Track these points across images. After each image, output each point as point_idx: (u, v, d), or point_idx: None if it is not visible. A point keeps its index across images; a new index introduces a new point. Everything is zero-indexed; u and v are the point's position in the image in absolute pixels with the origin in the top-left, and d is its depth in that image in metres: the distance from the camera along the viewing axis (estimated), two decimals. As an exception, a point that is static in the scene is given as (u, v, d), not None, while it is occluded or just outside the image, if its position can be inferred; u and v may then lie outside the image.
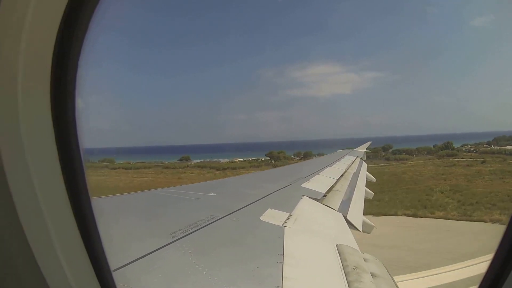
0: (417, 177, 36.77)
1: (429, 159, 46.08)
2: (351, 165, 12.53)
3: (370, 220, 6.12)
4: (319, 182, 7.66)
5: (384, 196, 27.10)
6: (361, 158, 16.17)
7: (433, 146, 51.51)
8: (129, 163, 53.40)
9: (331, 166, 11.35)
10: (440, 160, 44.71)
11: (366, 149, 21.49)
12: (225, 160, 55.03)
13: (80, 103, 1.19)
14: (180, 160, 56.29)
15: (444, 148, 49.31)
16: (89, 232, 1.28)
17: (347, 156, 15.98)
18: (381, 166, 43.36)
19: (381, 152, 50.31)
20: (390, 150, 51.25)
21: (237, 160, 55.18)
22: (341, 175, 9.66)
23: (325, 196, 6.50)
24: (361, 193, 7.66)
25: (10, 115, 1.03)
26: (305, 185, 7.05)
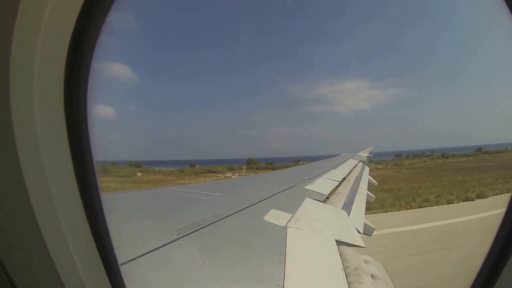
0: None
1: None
2: (353, 169, 12.54)
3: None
4: (322, 185, 7.70)
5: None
6: (363, 162, 16.18)
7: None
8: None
9: (334, 169, 11.38)
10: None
11: (369, 154, 21.71)
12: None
13: (92, 104, 1.25)
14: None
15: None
16: (99, 227, 1.36)
17: (350, 160, 16.02)
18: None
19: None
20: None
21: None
22: (344, 178, 9.69)
23: (327, 198, 6.53)
24: (363, 196, 7.68)
25: (27, 115, 1.10)
26: (308, 187, 7.10)
